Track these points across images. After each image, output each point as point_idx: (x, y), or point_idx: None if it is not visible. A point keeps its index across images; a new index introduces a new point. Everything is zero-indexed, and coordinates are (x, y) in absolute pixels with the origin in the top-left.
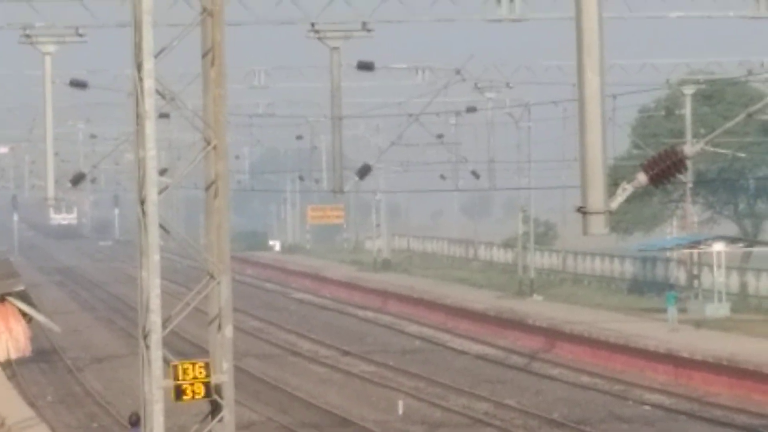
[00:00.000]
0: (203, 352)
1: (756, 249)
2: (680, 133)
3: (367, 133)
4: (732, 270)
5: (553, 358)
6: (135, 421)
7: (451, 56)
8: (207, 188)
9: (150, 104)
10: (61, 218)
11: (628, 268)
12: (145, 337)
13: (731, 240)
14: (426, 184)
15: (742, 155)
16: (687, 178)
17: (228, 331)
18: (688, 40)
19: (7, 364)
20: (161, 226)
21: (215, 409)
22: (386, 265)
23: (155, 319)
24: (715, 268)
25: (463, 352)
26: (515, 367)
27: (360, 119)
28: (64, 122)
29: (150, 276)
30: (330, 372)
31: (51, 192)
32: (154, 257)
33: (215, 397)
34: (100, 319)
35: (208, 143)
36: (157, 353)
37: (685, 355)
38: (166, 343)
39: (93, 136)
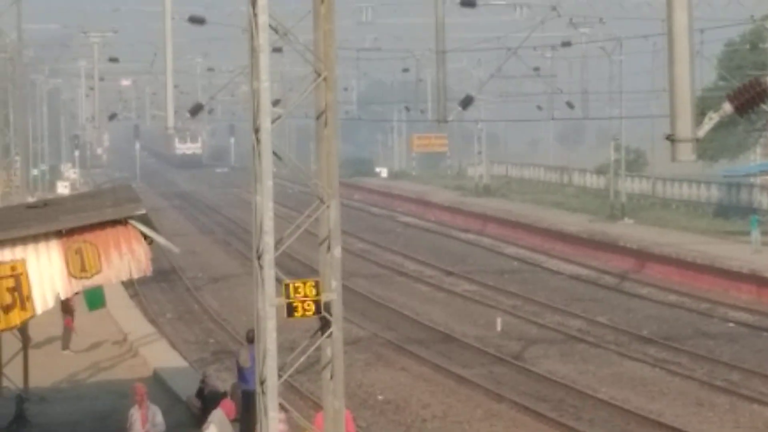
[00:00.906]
0: (314, 271)
1: None
2: (764, 66)
3: (469, 66)
4: None
5: (643, 278)
6: (252, 337)
7: None
8: (317, 118)
9: (264, 39)
10: (185, 148)
11: (714, 193)
12: (259, 257)
13: None
14: (523, 114)
15: None
16: None
17: (337, 252)
18: None
19: (130, 284)
20: (274, 154)
21: (324, 325)
22: (486, 191)
23: (268, 240)
24: None
25: (557, 273)
26: (607, 286)
27: (462, 53)
28: (183, 56)
29: (264, 200)
30: (433, 291)
31: (171, 122)
32: (268, 183)
33: (324, 314)
34: (216, 241)
35: (319, 75)
36: (270, 272)
37: None
38: (279, 263)
39: (210, 69)
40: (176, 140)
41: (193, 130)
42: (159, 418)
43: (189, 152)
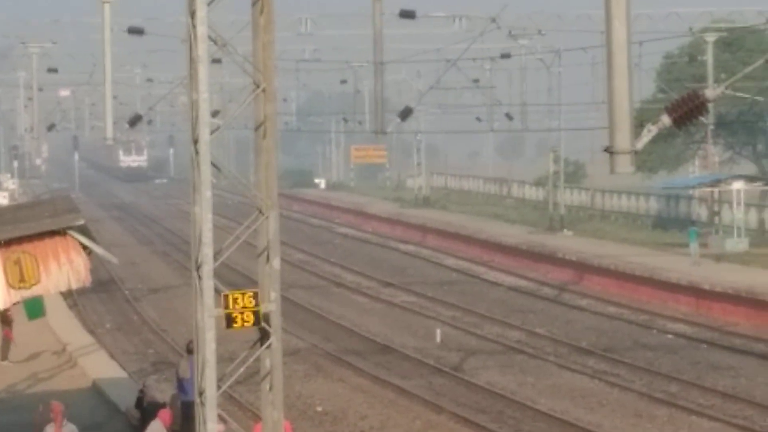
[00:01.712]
0: (253, 282)
1: None
2: (702, 78)
3: (408, 78)
4: (751, 207)
5: (582, 290)
6: (192, 348)
7: (486, 5)
8: (256, 129)
9: (203, 50)
10: (131, 160)
11: (653, 205)
12: (198, 268)
13: (750, 179)
14: (463, 125)
15: (761, 99)
16: (708, 120)
17: (276, 263)
18: None
19: (69, 294)
20: (213, 165)
21: (263, 336)
22: (426, 202)
23: (207, 252)
24: (734, 205)
25: (497, 284)
26: (546, 298)
27: (401, 64)
28: (122, 67)
29: (203, 211)
30: (372, 302)
31: (110, 132)
32: (207, 193)
33: (264, 325)
34: (156, 252)
35: (258, 86)
36: (209, 283)
37: (706, 287)
38: (218, 274)
39: (149, 80)
40: (120, 152)
41: (138, 142)
42: None
43: (134, 165)
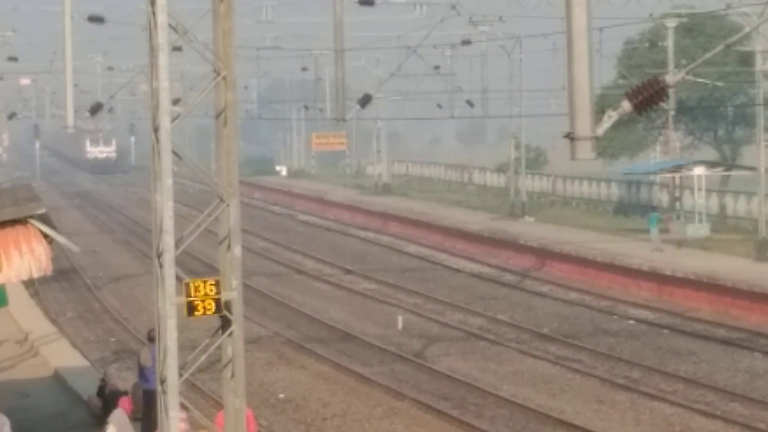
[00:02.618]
0: (214, 270)
1: (734, 173)
2: (663, 64)
3: (368, 65)
4: (712, 193)
5: (544, 276)
6: (153, 336)
7: None
8: (217, 117)
9: (163, 38)
10: (98, 151)
11: (614, 191)
12: (159, 256)
13: (711, 164)
14: (423, 112)
15: (721, 84)
16: (669, 105)
17: (237, 250)
18: None
19: (30, 283)
20: (174, 153)
21: (225, 324)
22: (386, 189)
23: (168, 240)
24: (695, 191)
25: (458, 271)
26: (508, 284)
27: (361, 52)
28: (83, 55)
29: (163, 199)
30: (333, 289)
31: (71, 121)
32: (168, 182)
33: (225, 312)
34: (117, 240)
35: (218, 74)
36: (170, 271)
37: (668, 272)
38: (179, 263)
39: (110, 68)
40: (87, 142)
41: (107, 132)
42: (7, 429)
43: (102, 156)
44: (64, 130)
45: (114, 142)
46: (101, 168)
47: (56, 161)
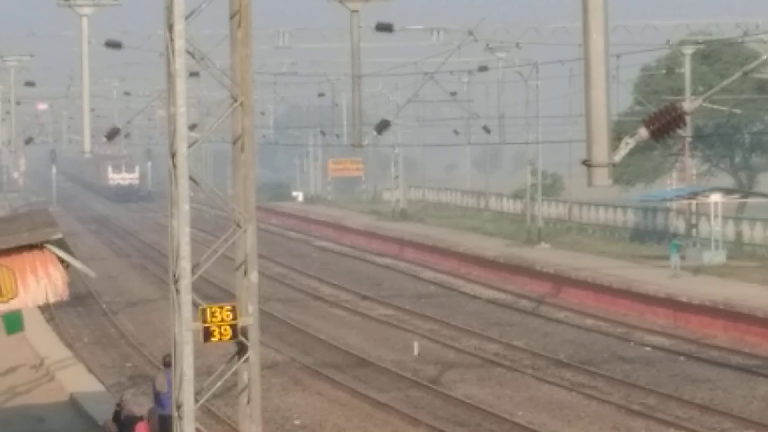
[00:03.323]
0: (230, 296)
1: (750, 200)
2: (680, 91)
3: (385, 91)
4: (728, 219)
5: (560, 303)
6: (169, 362)
7: (464, 18)
8: (234, 142)
9: (181, 63)
10: (120, 178)
11: (630, 218)
12: (176, 282)
13: (727, 191)
14: (440, 138)
15: (738, 111)
16: (686, 132)
17: (253, 276)
18: (687, 3)
19: (46, 308)
20: (191, 178)
21: (241, 350)
22: (403, 215)
23: (185, 265)
24: (712, 218)
25: (474, 297)
26: (524, 310)
27: (378, 78)
28: (100, 80)
29: (180, 225)
30: (349, 315)
31: (87, 146)
32: (184, 207)
33: (241, 338)
34: (133, 265)
35: (235, 100)
36: (186, 297)
37: (684, 299)
38: (195, 288)
39: (127, 94)
40: (109, 169)
41: (129, 158)
42: None
43: (124, 183)
44: (82, 156)
45: (137, 168)
46: (124, 196)
47: (72, 186)
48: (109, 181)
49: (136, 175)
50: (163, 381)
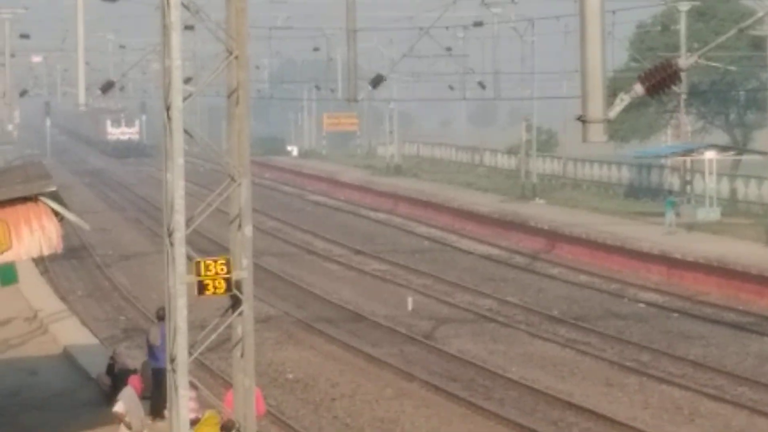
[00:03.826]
0: (224, 250)
1: (745, 157)
2: (675, 48)
3: (380, 46)
4: (723, 176)
5: (554, 259)
6: (162, 315)
7: None
8: (229, 96)
9: (176, 16)
10: (120, 132)
11: (625, 174)
12: (170, 235)
13: (722, 148)
14: (435, 93)
15: (733, 68)
16: (681, 89)
17: (247, 230)
18: None
19: (40, 261)
20: (185, 131)
21: (235, 303)
22: (397, 170)
23: (179, 219)
24: (706, 175)
25: (468, 252)
26: (518, 266)
27: (373, 32)
28: (95, 33)
29: (174, 178)
30: (343, 270)
31: (82, 98)
32: (179, 160)
33: (235, 292)
34: (127, 218)
35: (230, 53)
36: (180, 250)
37: (678, 256)
38: (190, 242)
39: (122, 47)
40: (108, 123)
41: (129, 112)
42: None
43: (124, 138)
44: (79, 109)
45: (137, 122)
46: (123, 151)
47: (67, 139)
48: (107, 135)
49: (136, 129)
50: (157, 334)
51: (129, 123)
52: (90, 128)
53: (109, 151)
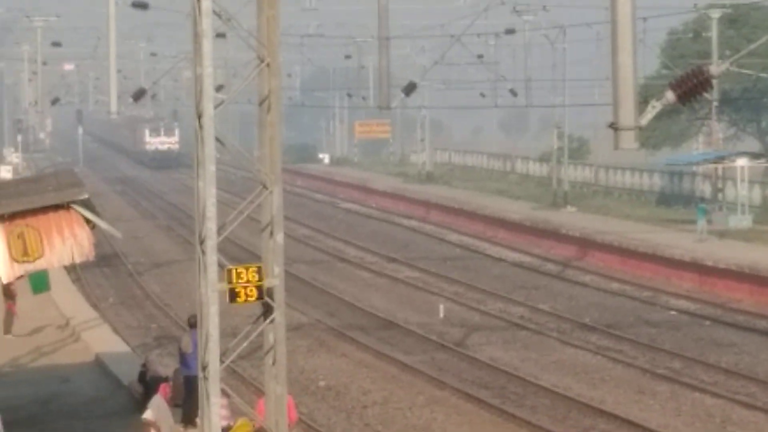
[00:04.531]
0: (256, 258)
1: None
2: (707, 55)
3: (413, 53)
4: (754, 184)
5: (585, 266)
6: (194, 322)
7: None
8: (260, 103)
9: (207, 24)
10: (158, 142)
11: (657, 182)
12: (202, 242)
13: (754, 155)
14: (467, 101)
15: (765, 75)
16: (712, 96)
17: (279, 237)
18: None
19: (72, 269)
20: (217, 139)
21: (267, 311)
22: (429, 178)
23: (211, 226)
24: (738, 182)
25: (500, 260)
26: (549, 274)
27: (406, 40)
28: (127, 41)
29: (206, 186)
30: (375, 277)
31: (114, 106)
32: (211, 168)
33: (267, 299)
34: (159, 226)
35: (262, 61)
36: (212, 258)
37: (710, 263)
38: (221, 249)
39: (153, 54)
40: (146, 132)
41: (168, 121)
42: None
43: (163, 148)
44: (114, 117)
45: (177, 132)
46: (162, 161)
47: (99, 147)
48: (146, 145)
49: (176, 138)
50: (188, 342)
51: (168, 132)
52: (126, 138)
53: (147, 162)
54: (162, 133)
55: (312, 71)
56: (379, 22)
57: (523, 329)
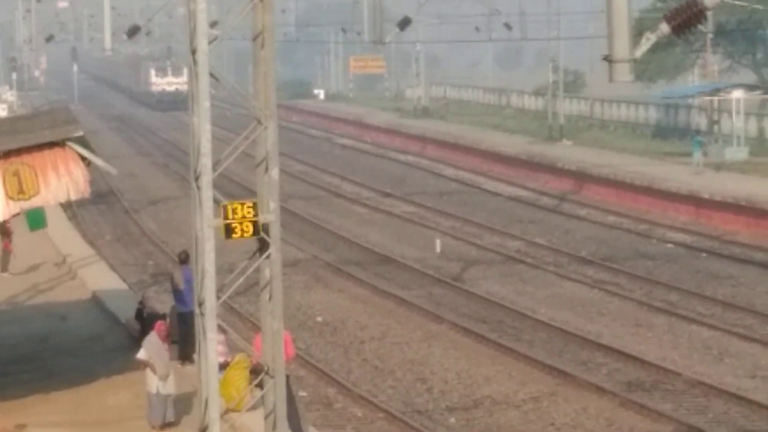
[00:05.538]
0: (251, 193)
1: None
2: None
3: None
4: (750, 116)
5: (581, 200)
6: (184, 258)
7: None
8: (254, 39)
9: None
10: (165, 83)
11: (652, 115)
12: (197, 179)
13: (750, 87)
14: (462, 35)
15: (760, 7)
16: (707, 28)
17: (274, 173)
18: None
19: (68, 206)
20: (211, 75)
21: (263, 246)
22: (425, 112)
23: (206, 162)
24: (734, 114)
25: (496, 194)
26: (545, 207)
27: None
28: None
29: (201, 121)
30: (371, 212)
31: (108, 43)
32: (205, 104)
33: (263, 235)
34: (155, 163)
35: None
36: (208, 194)
37: (706, 196)
38: (217, 185)
39: None
40: (152, 72)
41: (175, 61)
42: None
43: (171, 89)
44: (109, 54)
45: (185, 71)
46: (169, 104)
47: (94, 84)
48: (151, 86)
49: (183, 79)
50: (180, 278)
51: (176, 72)
52: (130, 78)
53: (154, 104)
54: (169, 72)
55: (306, 6)
56: None
57: (520, 263)
